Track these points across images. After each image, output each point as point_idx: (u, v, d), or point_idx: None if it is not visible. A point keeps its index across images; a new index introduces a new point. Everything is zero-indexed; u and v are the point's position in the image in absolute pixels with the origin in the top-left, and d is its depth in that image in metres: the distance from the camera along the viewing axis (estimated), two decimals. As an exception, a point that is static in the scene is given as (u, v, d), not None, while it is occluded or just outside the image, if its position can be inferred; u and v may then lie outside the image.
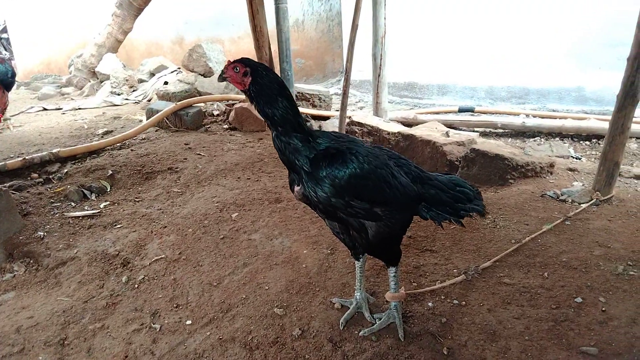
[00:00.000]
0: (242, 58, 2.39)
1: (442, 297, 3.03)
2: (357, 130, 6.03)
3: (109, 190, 5.11)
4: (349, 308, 2.91)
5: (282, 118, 2.32)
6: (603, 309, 2.83)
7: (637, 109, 4.10)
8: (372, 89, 6.84)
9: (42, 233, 4.16)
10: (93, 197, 4.95)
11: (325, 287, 3.20)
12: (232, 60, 2.37)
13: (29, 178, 5.34)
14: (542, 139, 6.44)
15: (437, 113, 7.72)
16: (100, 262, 3.73)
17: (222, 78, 2.40)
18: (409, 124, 6.73)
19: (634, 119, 4.15)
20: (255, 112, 6.63)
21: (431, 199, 2.55)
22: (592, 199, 4.13)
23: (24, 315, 3.16)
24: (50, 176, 5.39)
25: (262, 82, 2.32)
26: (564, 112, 7.36)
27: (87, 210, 4.62)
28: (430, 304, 2.98)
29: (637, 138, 6.05)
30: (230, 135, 6.68)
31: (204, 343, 2.79)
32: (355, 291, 2.94)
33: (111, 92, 10.41)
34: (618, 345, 2.55)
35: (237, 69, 2.33)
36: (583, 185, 4.49)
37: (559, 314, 2.81)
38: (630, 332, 2.63)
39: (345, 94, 5.70)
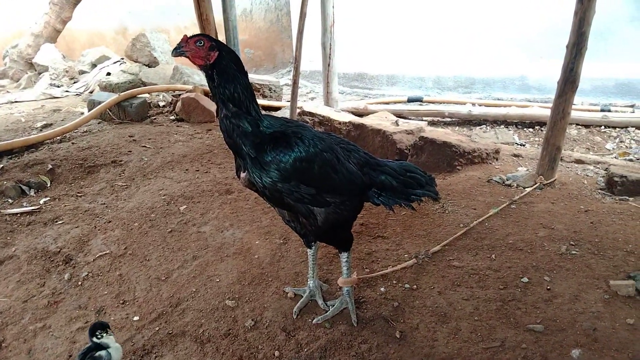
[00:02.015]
0: (202, 33, 2.29)
1: (394, 282, 3.05)
2: (308, 120, 5.99)
3: (49, 185, 4.87)
4: (302, 297, 2.88)
5: (239, 98, 2.25)
6: (548, 287, 2.92)
7: (577, 96, 4.26)
8: (323, 78, 6.81)
9: (-25, 232, 3.92)
10: (32, 193, 4.70)
11: (278, 277, 3.16)
12: (190, 35, 2.24)
13: (-40, 174, 5.02)
14: (488, 127, 6.61)
15: (387, 103, 7.79)
16: (41, 259, 3.55)
17: (178, 52, 2.23)
18: (359, 114, 6.76)
19: (573, 106, 4.31)
20: (203, 102, 6.52)
21: (381, 184, 2.55)
22: (536, 183, 4.26)
23: (-44, 318, 2.97)
24: (-16, 172, 5.08)
25: (228, 57, 2.23)
26: (509, 101, 7.57)
27: (26, 206, 4.39)
28: (382, 289, 2.99)
29: (576, 124, 6.30)
30: (177, 126, 6.50)
31: (152, 338, 2.70)
32: (308, 279, 2.91)
33: (50, 84, 9.92)
34: (562, 321, 2.64)
35: (201, 43, 2.19)
36: (527, 170, 4.62)
37: (506, 294, 2.88)
38: (573, 308, 2.73)
39: (295, 84, 5.64)
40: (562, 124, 4.22)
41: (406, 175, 2.59)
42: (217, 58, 2.21)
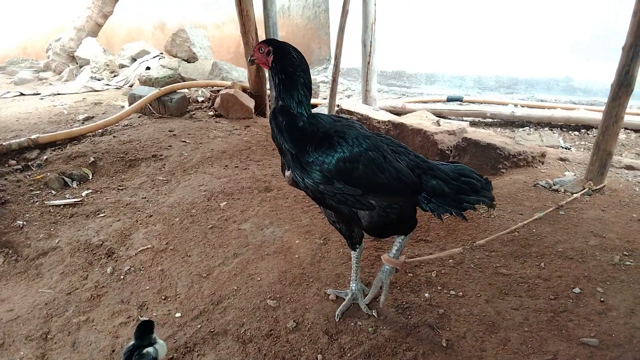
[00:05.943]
0: (267, 38, 2.41)
1: (439, 288, 2.97)
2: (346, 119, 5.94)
3: (90, 177, 4.93)
4: (344, 299, 2.83)
5: (289, 95, 2.32)
6: (601, 299, 2.80)
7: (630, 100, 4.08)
8: (361, 76, 6.74)
9: (21, 222, 3.99)
10: (74, 185, 4.77)
11: (319, 278, 3.12)
12: (259, 42, 2.45)
13: (6, 165, 5.12)
14: (532, 129, 6.42)
15: (426, 102, 7.67)
16: (84, 252, 3.59)
17: (251, 61, 2.46)
18: (397, 112, 6.66)
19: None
20: (242, 99, 6.52)
21: (432, 190, 2.42)
22: (584, 189, 4.10)
23: (3, 308, 3.02)
24: (29, 163, 5.18)
25: (281, 60, 2.33)
26: (553, 102, 7.36)
27: (69, 198, 4.45)
28: (427, 294, 2.91)
29: (625, 129, 6.06)
30: (216, 122, 6.51)
31: (194, 336, 2.69)
32: (351, 282, 2.86)
33: (91, 78, 10.10)
34: (618, 336, 2.52)
35: (261, 50, 2.38)
36: (575, 175, 4.46)
37: (557, 304, 2.77)
38: (630, 323, 2.60)
39: (334, 81, 5.59)
40: (614, 129, 4.05)
41: (460, 180, 2.44)
42: (273, 61, 2.35)
